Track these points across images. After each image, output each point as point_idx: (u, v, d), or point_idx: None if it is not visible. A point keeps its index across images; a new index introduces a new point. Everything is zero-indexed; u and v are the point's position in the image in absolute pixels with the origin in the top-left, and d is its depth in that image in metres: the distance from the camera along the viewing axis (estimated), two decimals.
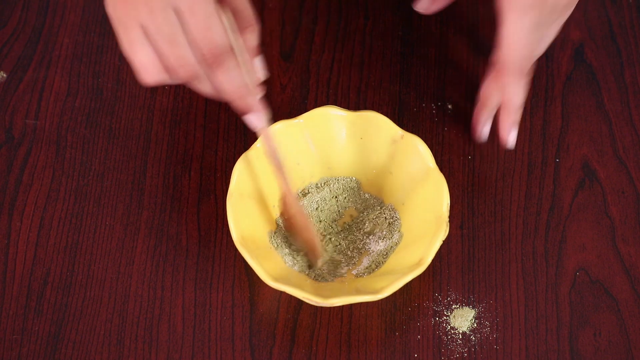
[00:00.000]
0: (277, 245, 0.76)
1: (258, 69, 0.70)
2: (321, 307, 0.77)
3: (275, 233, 0.77)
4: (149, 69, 0.65)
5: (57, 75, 0.87)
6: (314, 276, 0.76)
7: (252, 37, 0.69)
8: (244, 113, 0.69)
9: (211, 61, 0.64)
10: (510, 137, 0.79)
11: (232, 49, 0.65)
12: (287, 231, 0.77)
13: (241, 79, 0.66)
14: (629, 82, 0.86)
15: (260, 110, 0.70)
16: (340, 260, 0.78)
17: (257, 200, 0.77)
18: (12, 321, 0.77)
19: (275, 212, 0.79)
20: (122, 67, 0.87)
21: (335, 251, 0.78)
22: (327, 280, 0.76)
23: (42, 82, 0.87)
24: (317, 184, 0.80)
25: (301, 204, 0.78)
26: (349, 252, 0.78)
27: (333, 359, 0.75)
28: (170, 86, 0.86)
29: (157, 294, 0.78)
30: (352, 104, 0.86)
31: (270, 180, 0.78)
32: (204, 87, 0.67)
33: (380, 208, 0.79)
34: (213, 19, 0.63)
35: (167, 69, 0.65)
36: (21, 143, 0.84)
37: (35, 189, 0.82)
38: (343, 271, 0.77)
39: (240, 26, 0.68)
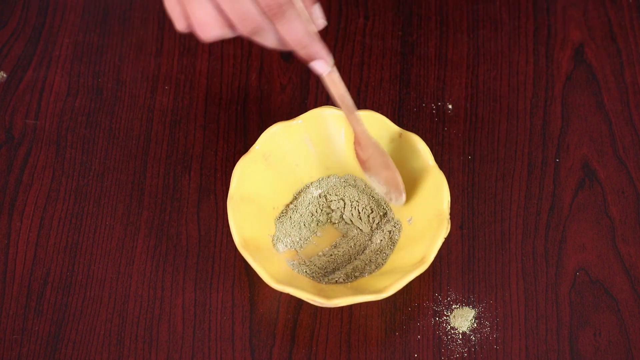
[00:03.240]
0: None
1: (317, 16, 0.69)
2: (321, 307, 0.77)
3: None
4: (209, 25, 0.65)
5: (57, 75, 0.87)
6: (312, 275, 0.76)
7: None
8: (309, 61, 0.69)
9: (272, 13, 0.64)
10: None
11: None
12: (366, 173, 0.77)
13: (303, 28, 0.66)
14: (629, 82, 0.86)
15: (325, 56, 0.69)
16: (340, 257, 0.78)
17: (258, 202, 0.77)
18: (12, 321, 0.77)
19: (276, 213, 0.79)
20: (122, 67, 0.87)
21: (334, 253, 0.78)
22: (327, 282, 0.76)
23: (42, 82, 0.87)
24: (316, 183, 0.80)
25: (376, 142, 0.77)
26: (348, 252, 0.78)
27: (333, 359, 0.75)
28: (170, 86, 0.86)
29: (157, 294, 0.78)
30: None
31: (271, 181, 0.78)
32: (267, 40, 0.67)
33: (380, 207, 0.79)
34: None
35: (228, 23, 0.65)
36: (21, 143, 0.84)
37: (35, 189, 0.82)
38: (340, 272, 0.77)
39: None
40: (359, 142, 0.75)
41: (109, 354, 0.76)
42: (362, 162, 0.76)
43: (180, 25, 0.67)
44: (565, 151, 0.83)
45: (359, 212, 0.80)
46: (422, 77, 0.87)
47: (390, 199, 0.77)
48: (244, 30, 0.65)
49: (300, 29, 0.66)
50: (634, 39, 0.88)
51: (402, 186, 0.76)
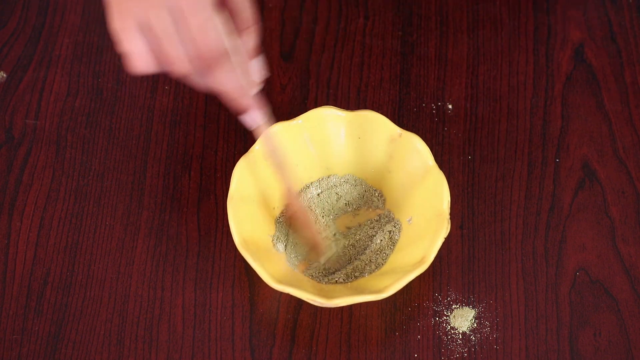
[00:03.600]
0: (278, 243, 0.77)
1: (256, 70, 0.70)
2: (321, 307, 0.77)
3: (276, 233, 0.77)
4: (139, 60, 0.65)
5: (57, 75, 0.87)
6: (312, 275, 0.76)
7: (251, 39, 0.69)
8: (240, 113, 0.69)
9: (205, 63, 0.64)
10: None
11: (227, 52, 0.65)
12: (290, 228, 0.77)
13: (236, 81, 0.66)
14: (629, 82, 0.86)
15: (256, 110, 0.69)
16: (340, 257, 0.78)
17: (258, 202, 0.77)
18: (12, 321, 0.77)
19: (276, 213, 0.79)
20: (122, 67, 0.87)
21: (335, 253, 0.78)
22: (327, 282, 0.76)
23: (42, 82, 0.87)
24: (316, 183, 0.80)
25: (302, 201, 0.78)
26: (348, 252, 0.78)
27: (333, 359, 0.75)
28: (170, 86, 0.86)
29: (157, 294, 0.78)
30: (352, 104, 0.86)
31: (270, 182, 0.78)
32: (198, 84, 0.67)
33: (380, 207, 0.79)
34: (209, 22, 0.63)
35: (159, 62, 0.65)
36: (21, 143, 0.84)
37: (35, 189, 0.82)
38: (340, 273, 0.77)
39: (239, 27, 0.68)
40: (286, 198, 0.76)
41: (109, 354, 0.76)
42: (291, 216, 0.77)
43: (118, 48, 0.66)
44: (565, 151, 0.83)
45: (359, 212, 0.80)
46: (422, 77, 0.87)
47: (316, 258, 0.77)
48: (174, 72, 0.65)
49: (232, 81, 0.66)
50: (634, 39, 0.88)
51: (322, 246, 0.77)
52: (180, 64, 0.64)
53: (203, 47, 0.63)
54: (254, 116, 0.70)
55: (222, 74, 0.65)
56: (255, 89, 0.69)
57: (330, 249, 0.78)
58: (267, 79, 0.86)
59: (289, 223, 0.78)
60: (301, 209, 0.76)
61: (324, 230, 0.79)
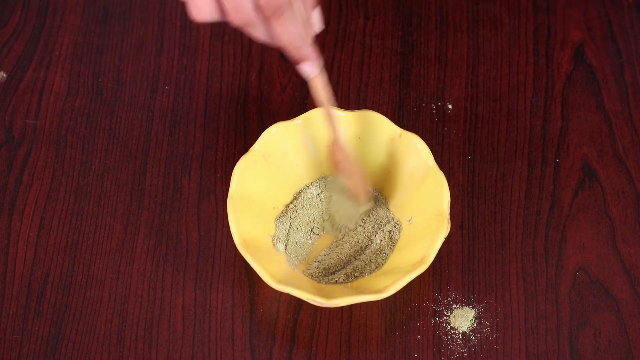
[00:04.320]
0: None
1: (315, 21, 0.69)
2: (321, 307, 0.77)
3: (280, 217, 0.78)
4: (202, 7, 0.64)
5: (57, 75, 0.87)
6: (312, 275, 0.76)
7: None
8: (298, 62, 0.69)
9: (268, 12, 0.64)
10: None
11: (290, 1, 0.64)
12: (338, 175, 0.77)
13: (297, 30, 0.65)
14: (629, 82, 0.86)
15: (314, 59, 0.69)
16: (340, 257, 0.78)
17: (258, 202, 0.77)
18: (12, 321, 0.77)
19: (276, 213, 0.79)
20: (122, 67, 0.87)
21: (334, 253, 0.78)
22: (327, 282, 0.76)
23: (42, 82, 0.87)
24: (316, 183, 0.80)
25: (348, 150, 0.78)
26: (348, 252, 0.78)
27: (333, 359, 0.75)
28: (170, 86, 0.86)
29: (157, 294, 0.78)
30: (352, 104, 0.86)
31: (270, 182, 0.78)
32: (258, 34, 0.66)
33: (380, 207, 0.79)
34: None
35: (221, 10, 0.65)
36: (21, 143, 0.84)
37: (35, 189, 0.82)
38: (340, 273, 0.77)
39: None
40: (335, 145, 0.75)
41: (109, 354, 0.76)
42: (336, 164, 0.76)
43: None
44: (565, 151, 0.83)
45: (358, 211, 0.80)
46: (422, 77, 0.87)
47: (358, 202, 0.78)
48: (235, 21, 0.64)
49: (294, 31, 0.65)
50: (634, 39, 0.88)
51: (366, 194, 0.77)
52: (244, 13, 0.64)
53: None
54: (312, 66, 0.69)
55: (283, 23, 0.65)
56: (313, 39, 0.69)
57: (371, 199, 0.78)
58: (267, 79, 0.87)
59: (335, 171, 0.77)
60: (346, 158, 0.76)
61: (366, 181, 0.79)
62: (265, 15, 0.64)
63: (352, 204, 0.78)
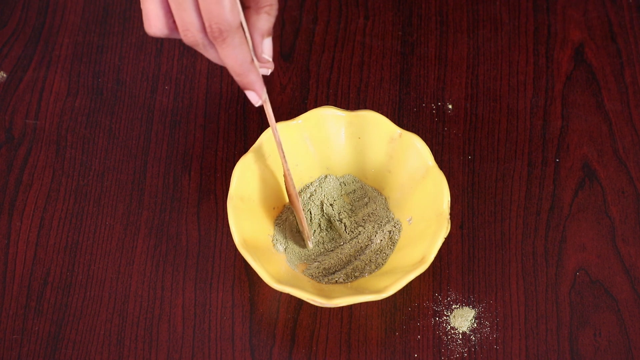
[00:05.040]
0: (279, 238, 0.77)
1: (266, 50, 0.69)
2: (321, 307, 0.77)
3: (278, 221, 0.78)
4: (153, 22, 0.65)
5: (57, 75, 0.87)
6: (312, 275, 0.76)
7: (268, 18, 0.69)
8: (243, 88, 0.69)
9: (214, 35, 0.64)
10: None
11: (240, 26, 0.64)
12: (292, 207, 0.77)
13: (244, 57, 0.66)
14: (629, 82, 0.86)
15: (258, 89, 0.69)
16: (340, 257, 0.78)
17: (258, 203, 0.77)
18: (12, 321, 0.77)
19: (276, 213, 0.79)
20: (122, 67, 0.87)
21: (334, 253, 0.78)
22: (327, 282, 0.76)
23: (42, 82, 0.87)
24: (316, 183, 0.80)
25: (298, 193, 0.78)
26: (348, 252, 0.78)
27: (333, 359, 0.75)
28: (170, 86, 0.86)
29: (157, 294, 0.78)
30: (352, 104, 0.86)
31: (270, 182, 0.78)
32: (207, 55, 0.67)
33: (380, 207, 0.79)
34: None
35: (171, 27, 0.65)
36: (21, 143, 0.84)
37: (35, 189, 0.82)
38: (340, 273, 0.77)
39: (258, 4, 0.68)
40: (286, 178, 0.76)
41: (109, 354, 0.76)
42: (289, 196, 0.76)
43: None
44: (565, 151, 0.83)
45: (358, 212, 0.80)
46: (422, 77, 0.87)
47: (304, 242, 0.78)
48: (184, 40, 0.65)
49: (241, 57, 0.65)
50: (634, 39, 0.88)
51: (306, 233, 0.77)
52: (191, 33, 0.64)
53: (217, 18, 0.63)
54: (254, 96, 0.69)
55: (231, 48, 0.65)
56: (268, 69, 0.69)
57: (309, 241, 0.78)
58: (267, 79, 0.87)
59: (291, 201, 0.77)
60: (292, 193, 0.76)
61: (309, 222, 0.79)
62: (213, 37, 0.64)
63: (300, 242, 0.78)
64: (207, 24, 0.63)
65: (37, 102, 0.86)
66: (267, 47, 0.68)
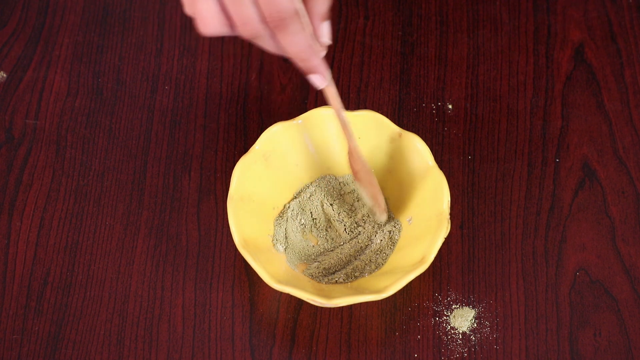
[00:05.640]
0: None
1: (323, 34, 0.69)
2: (321, 307, 0.77)
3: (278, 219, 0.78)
4: (209, 22, 0.65)
5: (57, 75, 0.87)
6: (312, 275, 0.76)
7: (324, 1, 0.68)
8: (306, 73, 0.69)
9: (274, 24, 0.64)
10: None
11: (297, 12, 0.64)
12: (357, 183, 0.77)
13: (305, 42, 0.66)
14: (629, 82, 0.86)
15: (322, 72, 0.69)
16: (340, 257, 0.78)
17: (258, 203, 0.77)
18: (12, 321, 0.77)
19: (276, 213, 0.79)
20: (122, 67, 0.87)
21: (334, 253, 0.78)
22: (327, 282, 0.76)
23: (42, 82, 0.87)
24: (316, 183, 0.80)
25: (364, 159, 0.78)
26: (348, 252, 0.78)
27: (333, 359, 0.75)
28: (170, 86, 0.86)
29: (157, 294, 0.78)
30: (352, 104, 0.86)
31: (270, 182, 0.78)
32: (266, 45, 0.66)
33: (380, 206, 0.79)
34: None
35: (229, 24, 0.65)
36: (21, 143, 0.84)
37: (35, 189, 0.82)
38: (340, 273, 0.77)
39: None
40: (352, 155, 0.76)
41: (109, 354, 0.76)
42: (355, 172, 0.77)
43: (187, 9, 0.66)
44: (565, 151, 0.83)
45: (358, 211, 0.80)
46: (422, 77, 0.87)
47: (374, 214, 0.77)
48: (243, 33, 0.65)
49: (301, 42, 0.66)
50: (634, 39, 0.88)
51: (383, 206, 0.77)
52: (251, 25, 0.64)
53: (274, 8, 0.63)
54: (319, 78, 0.69)
55: (290, 35, 0.65)
56: (323, 51, 0.69)
57: (385, 212, 0.78)
58: (267, 79, 0.87)
59: (356, 177, 0.77)
60: (363, 168, 0.76)
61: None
62: (272, 27, 0.64)
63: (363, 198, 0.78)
64: (267, 14, 0.63)
65: (37, 102, 0.86)
66: (325, 30, 0.68)
